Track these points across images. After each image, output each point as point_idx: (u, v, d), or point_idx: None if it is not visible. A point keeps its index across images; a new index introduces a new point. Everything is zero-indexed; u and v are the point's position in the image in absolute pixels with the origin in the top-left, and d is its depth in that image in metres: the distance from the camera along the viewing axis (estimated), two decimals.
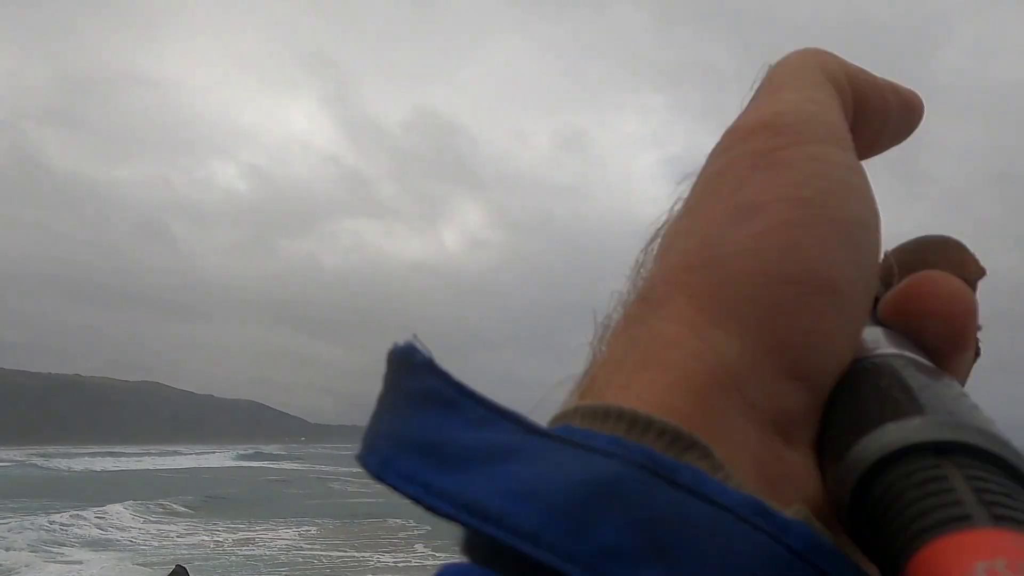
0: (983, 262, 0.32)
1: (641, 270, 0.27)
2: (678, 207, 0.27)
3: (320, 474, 54.27)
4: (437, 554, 16.37)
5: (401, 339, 0.22)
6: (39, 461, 73.26)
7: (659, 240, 0.27)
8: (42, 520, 20.73)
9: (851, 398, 0.23)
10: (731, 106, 0.29)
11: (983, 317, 0.26)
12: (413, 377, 0.22)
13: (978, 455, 0.18)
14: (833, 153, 0.25)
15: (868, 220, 0.25)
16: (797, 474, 0.22)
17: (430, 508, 0.19)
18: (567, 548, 0.17)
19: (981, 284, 0.31)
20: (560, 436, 0.20)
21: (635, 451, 0.19)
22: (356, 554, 16.50)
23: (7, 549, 15.61)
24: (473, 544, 0.20)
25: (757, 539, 0.18)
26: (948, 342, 0.25)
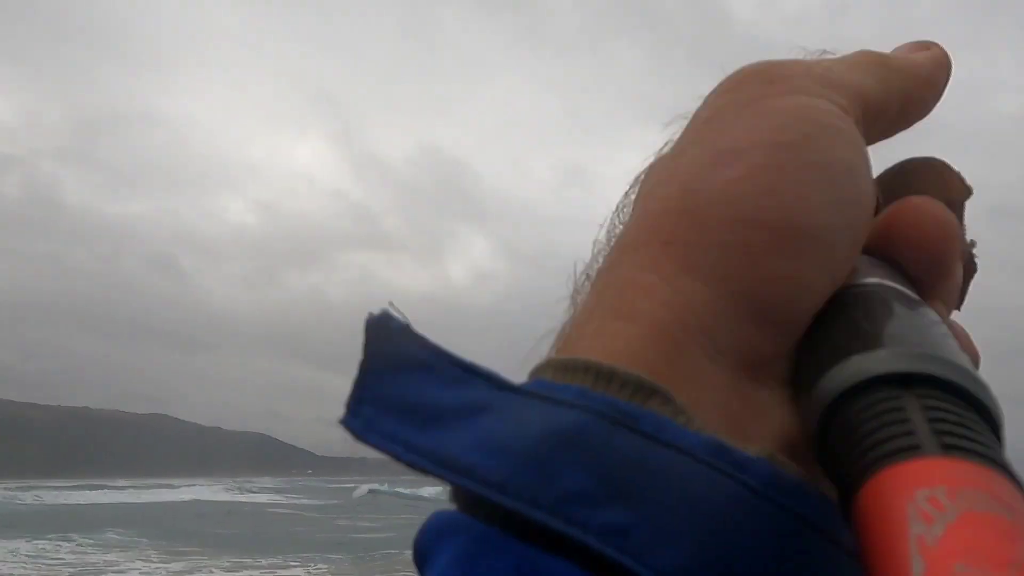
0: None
1: (620, 215, 0.28)
2: (665, 150, 0.28)
3: (327, 509, 53.08)
4: None
5: (376, 308, 0.23)
6: (41, 494, 72.72)
7: (641, 185, 0.28)
8: (44, 545, 20.07)
9: (824, 331, 0.23)
10: None
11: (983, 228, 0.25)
12: (390, 342, 0.23)
13: (940, 386, 0.18)
14: (821, 103, 0.25)
15: (854, 163, 0.25)
16: (772, 412, 0.23)
17: (409, 464, 0.20)
18: (532, 495, 0.18)
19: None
20: (529, 391, 0.21)
21: (598, 401, 0.20)
22: None
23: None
24: (456, 495, 0.21)
25: (713, 478, 0.18)
26: (929, 270, 0.26)
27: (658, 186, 0.26)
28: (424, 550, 0.21)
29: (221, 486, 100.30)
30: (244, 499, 68.49)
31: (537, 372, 0.23)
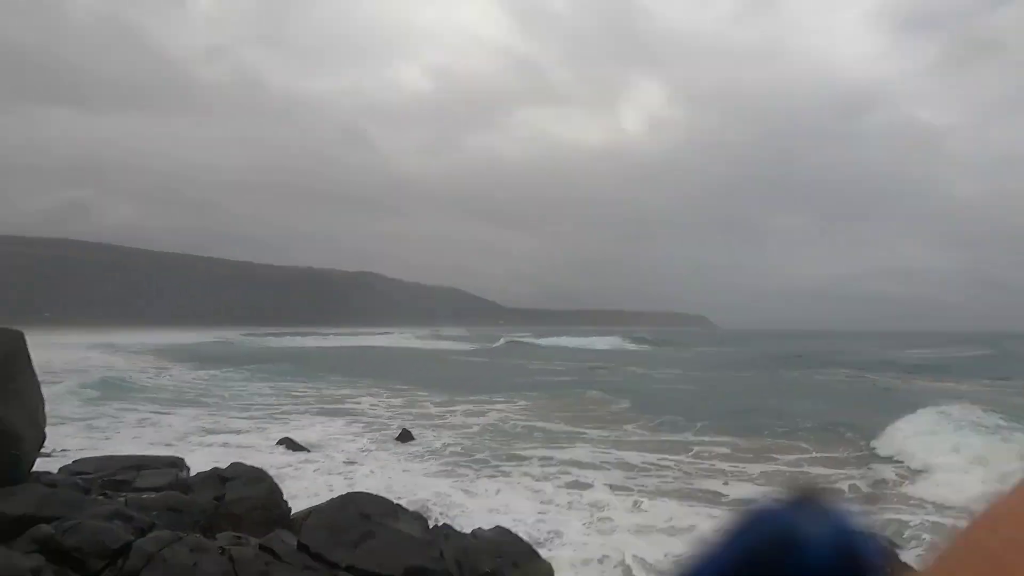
0: None
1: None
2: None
3: (516, 355, 56.75)
4: (642, 431, 15.88)
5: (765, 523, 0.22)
6: (276, 339, 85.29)
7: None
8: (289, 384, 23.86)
9: None
10: None
11: None
12: None
13: None
14: None
15: None
16: None
17: None
18: None
19: None
20: None
21: None
22: (568, 428, 16.47)
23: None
24: None
25: None
26: None
27: None
28: None
29: (424, 333, 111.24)
30: (444, 346, 75.85)
31: None
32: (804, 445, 13.97)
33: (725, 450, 13.74)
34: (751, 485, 11.08)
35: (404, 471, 11.41)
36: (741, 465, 12.50)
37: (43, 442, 6.65)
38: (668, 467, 12.25)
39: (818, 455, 13.22)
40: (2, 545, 4.40)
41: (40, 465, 6.64)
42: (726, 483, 11.11)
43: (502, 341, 76.06)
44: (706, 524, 8.95)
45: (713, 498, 10.30)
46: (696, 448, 13.89)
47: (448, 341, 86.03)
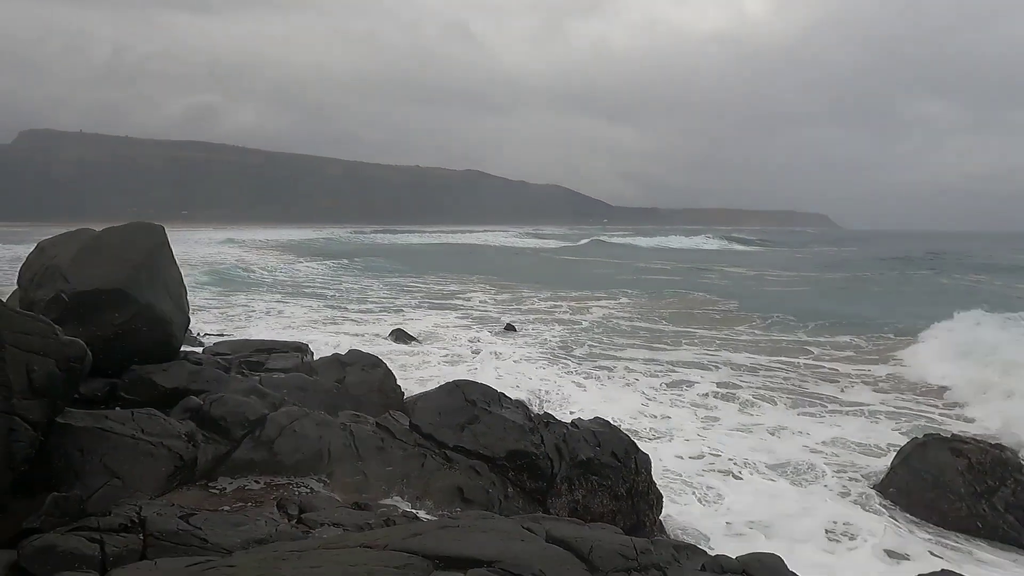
0: None
1: None
2: None
3: (619, 255, 56.17)
4: (757, 331, 15.55)
5: None
6: (394, 236, 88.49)
7: None
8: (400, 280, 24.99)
9: None
10: None
11: None
12: None
13: None
14: None
15: None
16: None
17: None
18: None
19: None
20: None
21: None
22: (673, 327, 16.40)
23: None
24: None
25: None
26: None
27: None
28: None
29: (527, 231, 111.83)
30: (548, 244, 76.29)
31: None
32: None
33: (844, 352, 13.29)
34: (870, 391, 10.71)
35: (512, 362, 11.88)
36: (861, 367, 12.07)
37: (188, 326, 7.41)
38: (779, 369, 12.04)
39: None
40: (160, 412, 5.04)
41: (185, 346, 7.44)
42: (842, 390, 10.78)
43: (583, 242, 75.98)
44: (814, 428, 8.83)
45: (826, 401, 10.09)
46: (811, 349, 13.52)
47: (545, 239, 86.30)
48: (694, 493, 6.76)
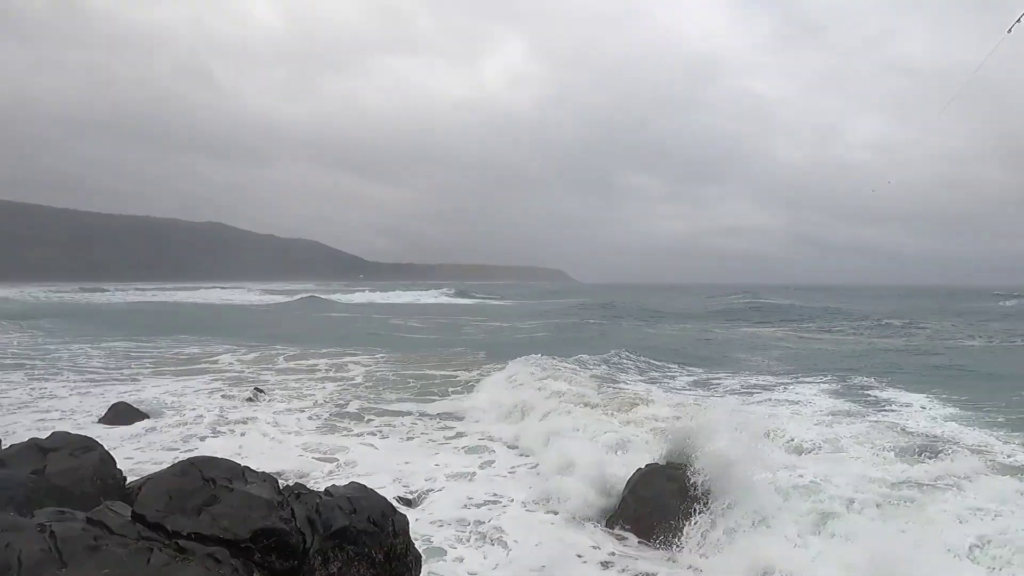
0: None
1: None
2: None
3: (378, 311, 55.98)
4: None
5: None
6: (118, 295, 78.25)
7: None
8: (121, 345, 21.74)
9: None
10: None
11: None
12: None
13: None
14: None
15: None
16: None
17: None
18: None
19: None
20: None
21: None
22: (436, 372, 16.53)
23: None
24: None
25: None
26: None
27: None
28: None
29: (274, 288, 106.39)
30: (327, 297, 73.15)
31: None
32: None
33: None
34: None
35: (264, 428, 10.97)
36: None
37: None
38: None
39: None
40: None
41: None
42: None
43: (298, 298, 76.26)
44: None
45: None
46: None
47: (276, 296, 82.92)
48: (462, 545, 6.75)
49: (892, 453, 8.69)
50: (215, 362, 19.59)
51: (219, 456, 6.00)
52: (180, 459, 6.04)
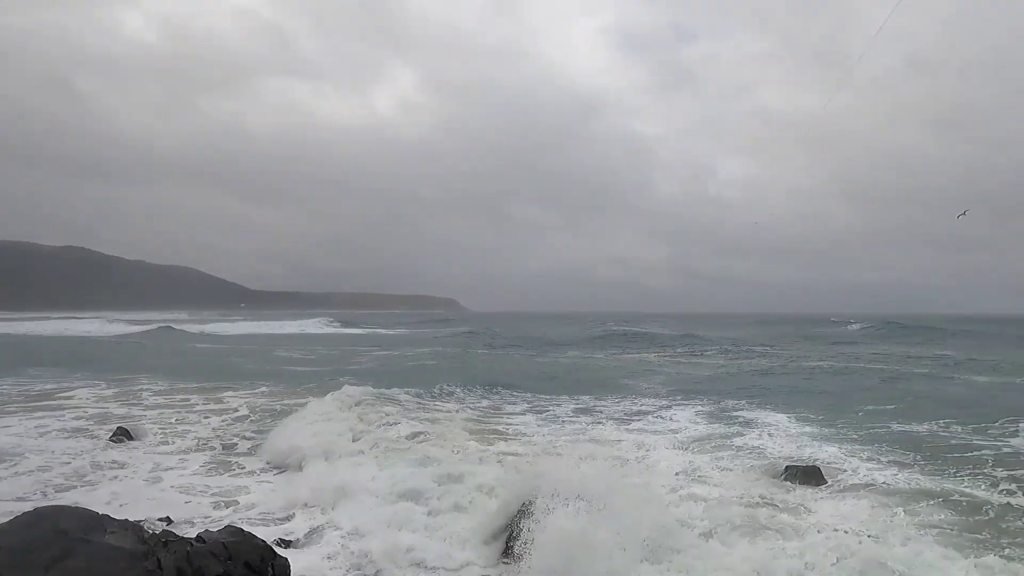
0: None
1: None
2: None
3: (257, 342, 53.50)
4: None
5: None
6: None
7: None
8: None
9: None
10: None
11: None
12: None
13: None
14: None
15: None
16: None
17: None
18: None
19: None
20: None
21: None
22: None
23: None
24: None
25: None
26: None
27: None
28: None
29: (139, 318, 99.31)
30: (204, 328, 68.47)
31: None
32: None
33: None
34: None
35: (134, 476, 10.11)
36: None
37: None
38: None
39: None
40: None
41: None
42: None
43: (151, 327, 67.75)
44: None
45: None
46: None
47: (131, 326, 76.84)
48: None
49: (756, 472, 9.33)
50: (70, 398, 17.97)
51: (72, 504, 5.54)
52: (27, 508, 5.45)
